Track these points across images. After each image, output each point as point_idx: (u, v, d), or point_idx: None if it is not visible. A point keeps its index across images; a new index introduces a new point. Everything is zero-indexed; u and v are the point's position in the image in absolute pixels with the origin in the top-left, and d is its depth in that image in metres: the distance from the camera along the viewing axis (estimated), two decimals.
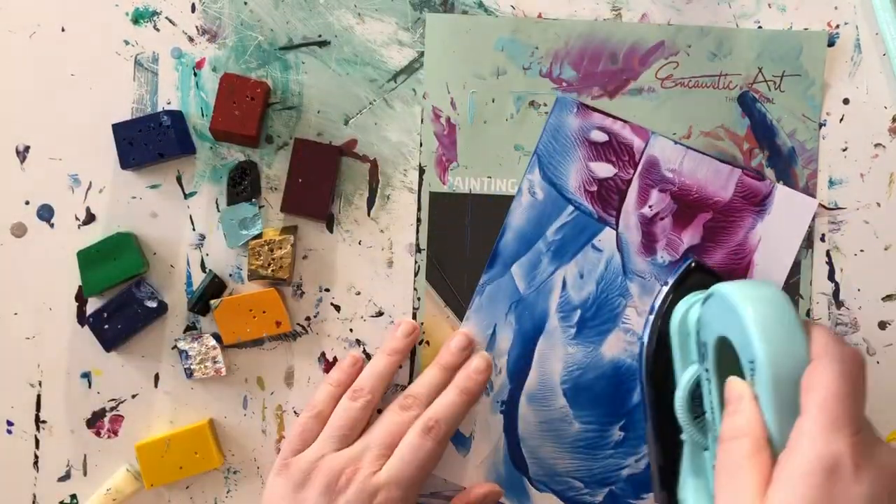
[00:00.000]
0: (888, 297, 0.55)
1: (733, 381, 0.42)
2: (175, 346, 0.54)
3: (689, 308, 0.49)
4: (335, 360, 0.54)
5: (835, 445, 0.37)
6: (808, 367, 0.39)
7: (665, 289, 0.52)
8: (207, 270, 0.54)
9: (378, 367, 0.52)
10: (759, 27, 0.54)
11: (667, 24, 0.54)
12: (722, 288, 0.44)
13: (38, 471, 0.54)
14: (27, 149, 0.54)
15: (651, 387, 0.51)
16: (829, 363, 0.39)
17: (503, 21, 0.54)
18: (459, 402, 0.51)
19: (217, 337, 0.53)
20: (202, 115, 0.54)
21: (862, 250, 0.54)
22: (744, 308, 0.41)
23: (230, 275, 0.54)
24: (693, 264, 0.52)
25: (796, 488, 0.37)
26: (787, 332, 0.40)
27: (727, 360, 0.44)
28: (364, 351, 0.54)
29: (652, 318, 0.52)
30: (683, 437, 0.48)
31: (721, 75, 0.54)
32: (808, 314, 0.54)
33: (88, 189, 0.54)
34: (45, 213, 0.54)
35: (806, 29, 0.54)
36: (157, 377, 0.54)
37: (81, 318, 0.54)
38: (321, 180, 0.53)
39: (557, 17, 0.54)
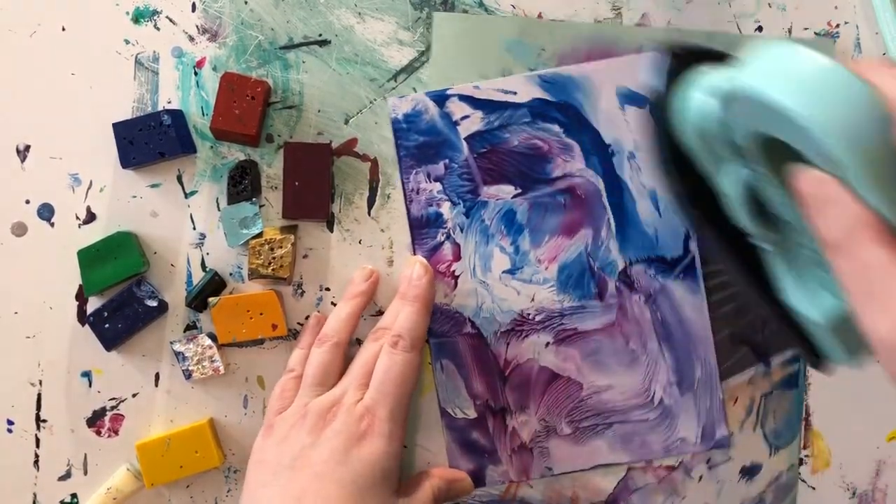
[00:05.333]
0: None
1: (807, 177, 0.33)
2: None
3: (696, 107, 0.40)
4: None
5: None
6: None
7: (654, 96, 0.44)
8: (208, 269, 0.54)
9: (340, 312, 0.52)
10: (759, 27, 0.54)
11: (667, 24, 0.54)
12: (744, 85, 0.35)
13: (38, 470, 0.54)
14: (27, 148, 0.54)
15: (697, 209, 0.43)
16: None
17: (510, 22, 0.54)
18: (413, 311, 0.51)
19: (213, 336, 0.53)
20: (202, 114, 0.54)
21: None
22: (788, 106, 0.32)
23: (230, 274, 0.54)
24: (672, 53, 0.42)
25: None
26: (850, 103, 0.31)
27: (779, 150, 0.36)
28: None
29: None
30: (758, 243, 0.42)
31: None
32: None
33: (89, 188, 0.54)
34: (46, 213, 0.54)
35: (806, 28, 0.54)
36: (157, 376, 0.54)
37: (82, 317, 0.54)
38: (317, 180, 0.53)
39: (557, 17, 0.54)
